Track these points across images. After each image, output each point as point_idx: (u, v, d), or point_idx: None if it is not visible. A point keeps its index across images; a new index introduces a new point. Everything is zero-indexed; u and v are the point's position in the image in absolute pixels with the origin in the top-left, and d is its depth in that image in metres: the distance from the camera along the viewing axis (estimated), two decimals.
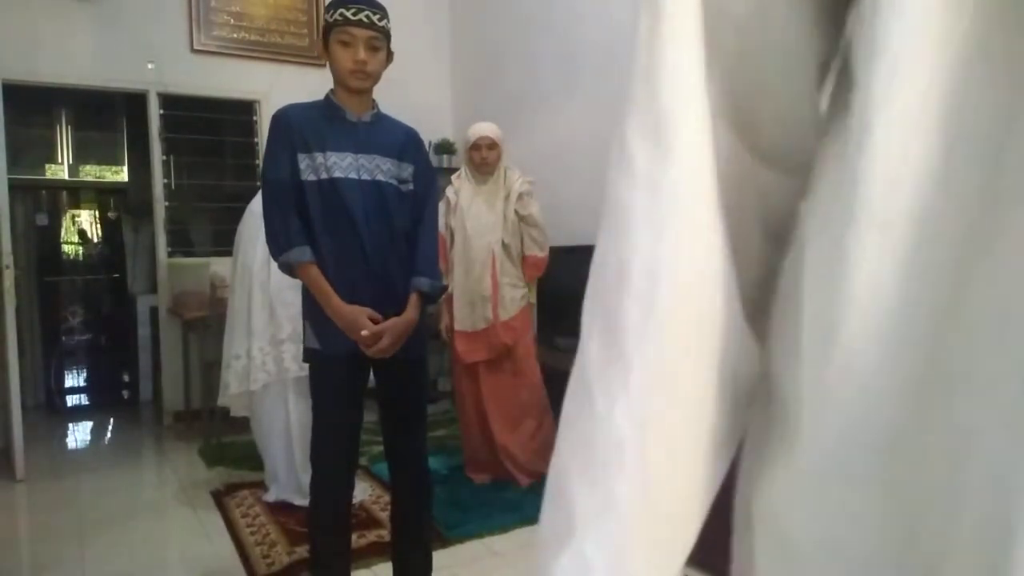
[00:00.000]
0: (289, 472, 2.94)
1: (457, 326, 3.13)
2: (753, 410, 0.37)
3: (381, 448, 1.99)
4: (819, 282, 0.31)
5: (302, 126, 1.77)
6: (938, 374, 0.27)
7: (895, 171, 0.27)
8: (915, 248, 0.27)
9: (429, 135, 3.86)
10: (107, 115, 5.49)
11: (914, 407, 0.28)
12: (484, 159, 3.07)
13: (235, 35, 4.43)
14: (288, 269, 1.78)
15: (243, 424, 3.25)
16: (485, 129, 3.09)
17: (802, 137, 0.35)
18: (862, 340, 0.29)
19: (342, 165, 1.77)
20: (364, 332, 1.72)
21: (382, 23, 1.76)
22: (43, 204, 5.60)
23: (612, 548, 0.34)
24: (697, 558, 0.39)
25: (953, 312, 0.27)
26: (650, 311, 0.33)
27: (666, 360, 0.34)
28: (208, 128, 4.47)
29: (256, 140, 4.55)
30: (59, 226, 5.72)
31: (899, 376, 0.28)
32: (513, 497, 2.99)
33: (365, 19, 1.73)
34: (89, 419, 4.84)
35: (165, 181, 4.36)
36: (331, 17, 1.75)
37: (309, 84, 3.59)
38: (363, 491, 3.03)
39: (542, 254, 3.15)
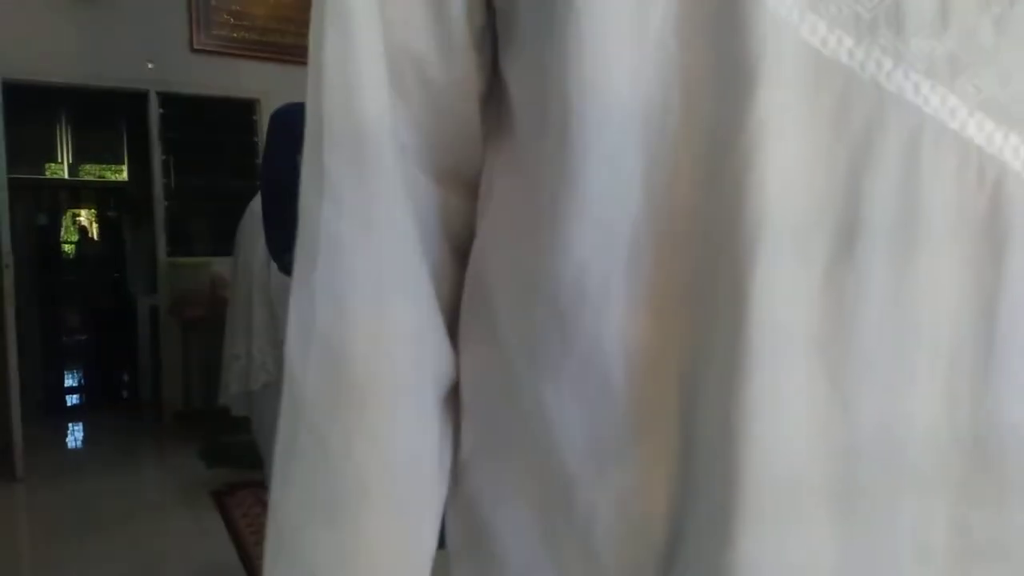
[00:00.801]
0: None
1: None
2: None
3: None
4: (510, 282, 0.34)
5: (301, 126, 1.76)
6: (651, 339, 0.30)
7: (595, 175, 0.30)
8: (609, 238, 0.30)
9: None
10: (107, 114, 5.46)
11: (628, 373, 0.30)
12: None
13: (235, 34, 4.42)
14: (288, 270, 1.78)
15: (244, 424, 3.24)
16: None
17: (474, 156, 0.37)
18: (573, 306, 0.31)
19: None
20: None
21: None
22: (43, 203, 5.58)
23: None
24: None
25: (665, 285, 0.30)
26: (377, 339, 0.34)
27: (397, 385, 0.35)
28: (208, 127, 4.45)
29: (256, 139, 4.53)
30: (59, 225, 5.70)
31: (621, 346, 0.30)
32: None
33: None
34: (88, 419, 4.84)
35: (165, 180, 4.35)
36: None
37: None
38: None
39: None
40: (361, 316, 0.34)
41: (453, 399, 0.39)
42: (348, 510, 0.35)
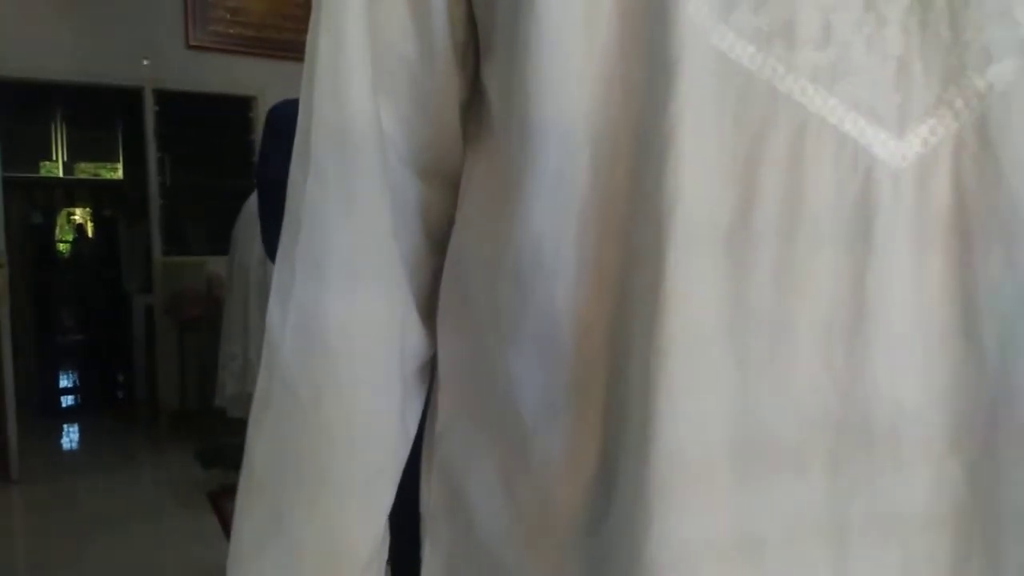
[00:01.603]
0: None
1: None
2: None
3: None
4: (482, 262, 0.38)
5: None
6: (605, 311, 0.34)
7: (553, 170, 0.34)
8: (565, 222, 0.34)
9: None
10: (102, 112, 5.44)
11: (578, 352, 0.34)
12: None
13: (232, 30, 4.39)
14: None
15: (240, 425, 3.21)
16: None
17: (453, 155, 0.42)
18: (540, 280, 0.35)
19: None
20: None
21: None
22: (38, 202, 5.55)
23: (325, 528, 0.40)
24: None
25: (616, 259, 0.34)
26: (349, 306, 0.39)
27: (365, 348, 0.39)
28: (204, 125, 4.43)
29: (253, 137, 4.51)
30: (54, 224, 5.67)
31: (579, 317, 0.34)
32: None
33: None
34: (84, 420, 4.82)
35: (160, 179, 4.33)
36: None
37: None
38: None
39: None
40: (336, 285, 0.38)
41: (422, 377, 0.44)
42: (313, 457, 0.40)
